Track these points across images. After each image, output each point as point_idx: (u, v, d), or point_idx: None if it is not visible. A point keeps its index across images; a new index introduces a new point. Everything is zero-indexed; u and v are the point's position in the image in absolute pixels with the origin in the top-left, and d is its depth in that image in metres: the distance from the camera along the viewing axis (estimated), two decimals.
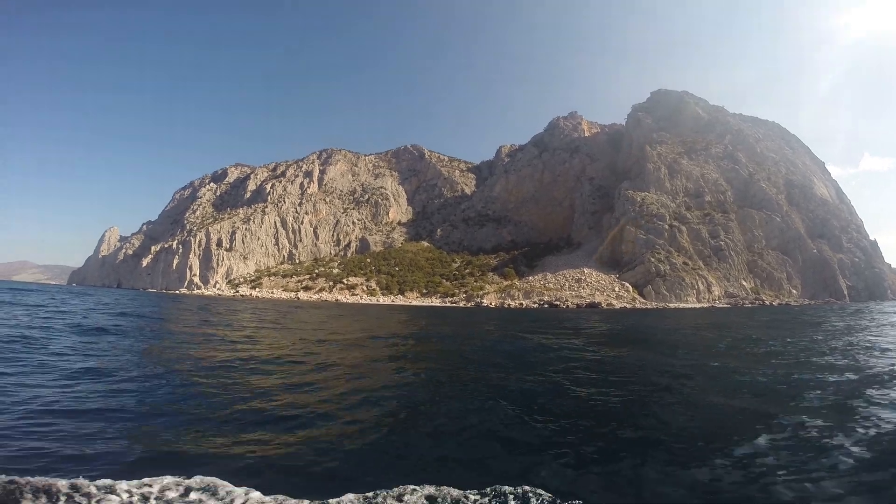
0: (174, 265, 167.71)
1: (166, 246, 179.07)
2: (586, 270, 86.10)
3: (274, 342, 16.32)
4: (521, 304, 79.40)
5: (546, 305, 74.42)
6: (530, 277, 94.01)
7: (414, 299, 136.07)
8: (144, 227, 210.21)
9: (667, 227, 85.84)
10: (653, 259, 79.50)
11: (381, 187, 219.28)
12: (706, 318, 36.88)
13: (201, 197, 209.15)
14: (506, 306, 78.78)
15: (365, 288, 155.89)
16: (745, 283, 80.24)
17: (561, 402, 7.87)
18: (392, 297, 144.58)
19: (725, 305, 72.07)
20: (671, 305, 70.92)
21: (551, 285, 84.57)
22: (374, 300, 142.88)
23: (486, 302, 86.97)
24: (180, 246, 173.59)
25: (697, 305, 71.52)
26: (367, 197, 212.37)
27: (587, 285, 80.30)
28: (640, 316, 43.70)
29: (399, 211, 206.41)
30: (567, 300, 75.03)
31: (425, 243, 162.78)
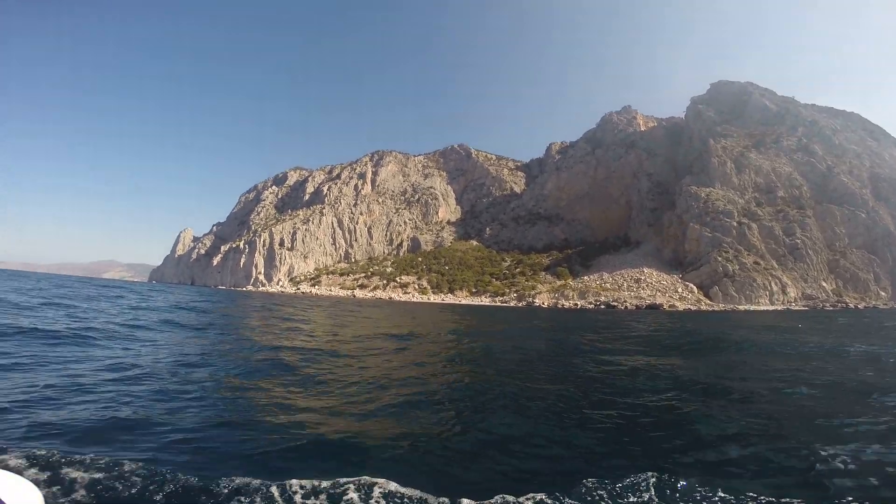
0: (241, 264, 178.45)
1: (234, 246, 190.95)
2: (646, 270, 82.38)
3: (359, 338, 16.76)
4: (576, 304, 77.45)
5: (602, 306, 72.09)
6: (585, 277, 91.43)
7: (463, 298, 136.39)
8: (214, 227, 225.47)
9: (735, 224, 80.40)
10: (720, 258, 74.76)
11: (430, 187, 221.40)
12: (791, 321, 33.92)
13: (265, 199, 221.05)
14: (559, 306, 77.14)
15: (416, 286, 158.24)
16: (825, 285, 73.59)
17: (712, 414, 7.16)
18: (442, 295, 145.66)
19: (802, 308, 66.44)
20: (741, 307, 66.43)
21: (608, 285, 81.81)
22: (424, 298, 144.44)
23: (538, 302, 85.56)
24: (246, 246, 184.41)
25: (770, 308, 66.42)
26: (417, 197, 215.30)
27: (647, 286, 76.87)
28: (713, 318, 41.25)
29: (448, 210, 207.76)
30: (625, 301, 72.31)
31: (474, 242, 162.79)
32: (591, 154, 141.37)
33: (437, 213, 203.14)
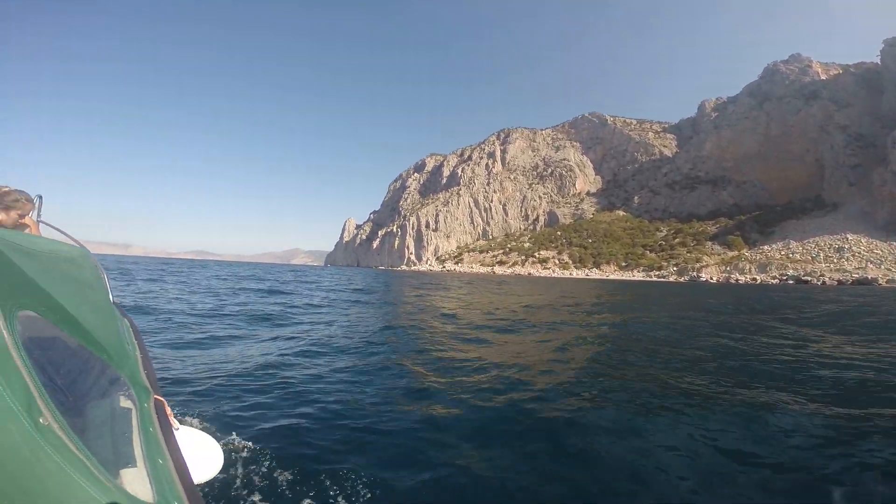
0: (395, 246, 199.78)
1: (388, 230, 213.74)
2: (851, 237, 71.20)
3: (516, 312, 15.39)
4: (754, 278, 71.09)
5: (791, 281, 64.73)
6: (765, 247, 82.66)
7: (611, 273, 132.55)
8: (372, 215, 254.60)
9: None
10: None
11: (564, 159, 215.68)
12: None
13: (409, 186, 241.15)
14: (732, 281, 71.42)
15: (557, 261, 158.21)
16: None
17: None
18: (586, 269, 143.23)
19: None
20: None
21: (797, 256, 73.22)
22: (566, 274, 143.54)
23: (704, 276, 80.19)
24: (398, 230, 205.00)
25: None
26: (550, 170, 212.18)
27: (854, 256, 66.88)
28: None
29: (586, 181, 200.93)
30: (822, 274, 64.22)
31: (620, 212, 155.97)
32: (757, 108, 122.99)
33: (573, 185, 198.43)
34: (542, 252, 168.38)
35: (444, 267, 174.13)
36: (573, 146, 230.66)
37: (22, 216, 2.57)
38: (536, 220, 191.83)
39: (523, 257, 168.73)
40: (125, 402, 1.37)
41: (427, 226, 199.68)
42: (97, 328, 1.39)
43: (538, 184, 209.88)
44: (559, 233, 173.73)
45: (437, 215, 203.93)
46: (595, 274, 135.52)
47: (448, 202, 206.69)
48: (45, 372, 0.91)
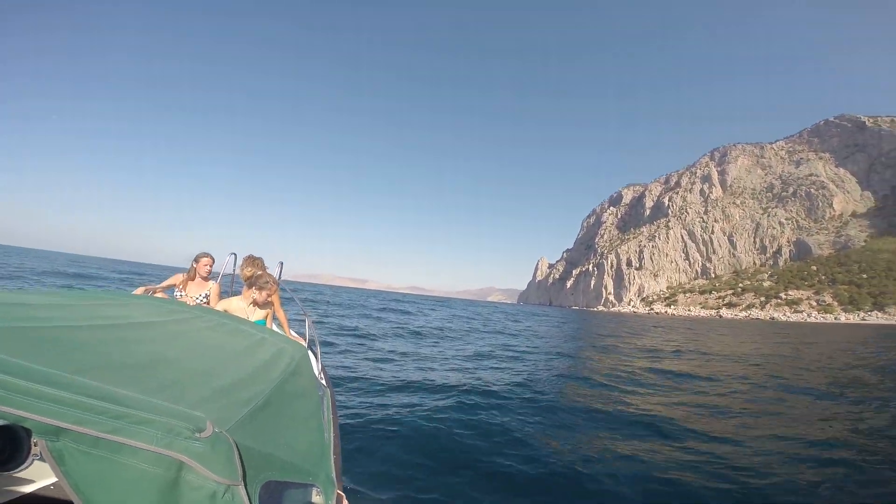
0: (591, 285, 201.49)
1: (583, 269, 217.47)
2: None
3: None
4: None
5: None
6: None
7: None
8: (565, 254, 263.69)
9: None
10: None
11: (810, 175, 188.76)
12: None
13: (605, 221, 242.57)
14: None
15: (814, 303, 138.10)
16: None
17: None
18: (861, 313, 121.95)
19: None
20: None
21: None
22: (828, 318, 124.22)
23: None
24: (595, 268, 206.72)
25: None
26: (791, 190, 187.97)
27: None
28: None
29: (848, 199, 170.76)
30: None
31: None
32: None
33: (829, 205, 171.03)
34: (790, 292, 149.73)
35: (651, 309, 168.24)
36: (821, 158, 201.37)
37: (270, 295, 3.43)
38: (778, 252, 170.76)
39: (762, 298, 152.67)
40: (316, 499, 1.57)
41: (629, 264, 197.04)
42: (306, 451, 1.60)
43: (776, 207, 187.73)
44: (814, 267, 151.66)
45: (640, 252, 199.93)
46: (876, 318, 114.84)
47: (654, 236, 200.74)
48: None
